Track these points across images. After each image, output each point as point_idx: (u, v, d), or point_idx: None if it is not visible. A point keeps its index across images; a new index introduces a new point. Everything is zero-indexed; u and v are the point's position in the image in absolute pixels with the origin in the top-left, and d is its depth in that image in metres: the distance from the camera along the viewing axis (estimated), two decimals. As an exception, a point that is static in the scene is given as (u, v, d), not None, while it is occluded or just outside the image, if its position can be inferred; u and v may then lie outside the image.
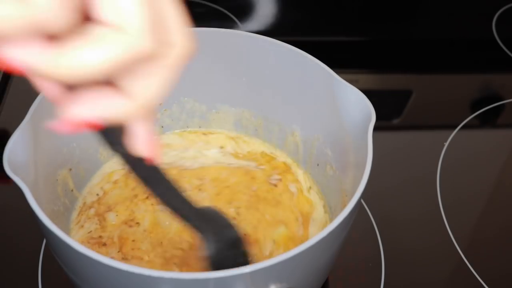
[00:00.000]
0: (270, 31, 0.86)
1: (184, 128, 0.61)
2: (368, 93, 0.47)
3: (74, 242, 0.36)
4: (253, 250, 0.48)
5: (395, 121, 0.75)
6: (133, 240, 0.51)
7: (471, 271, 0.57)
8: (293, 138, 0.58)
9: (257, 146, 0.60)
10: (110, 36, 0.25)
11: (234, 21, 0.86)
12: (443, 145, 0.69)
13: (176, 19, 0.29)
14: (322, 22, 0.89)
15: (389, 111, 0.75)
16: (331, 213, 0.54)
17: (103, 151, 0.57)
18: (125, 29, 0.25)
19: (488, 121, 0.75)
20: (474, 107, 0.76)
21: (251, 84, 0.57)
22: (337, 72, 0.49)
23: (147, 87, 0.28)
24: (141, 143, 0.31)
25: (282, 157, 0.59)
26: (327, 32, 0.88)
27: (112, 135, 0.31)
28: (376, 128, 0.44)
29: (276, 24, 0.88)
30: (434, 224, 0.61)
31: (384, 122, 0.73)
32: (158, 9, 0.28)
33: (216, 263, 0.42)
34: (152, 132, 0.32)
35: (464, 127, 0.72)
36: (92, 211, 0.54)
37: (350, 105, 0.48)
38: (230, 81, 0.57)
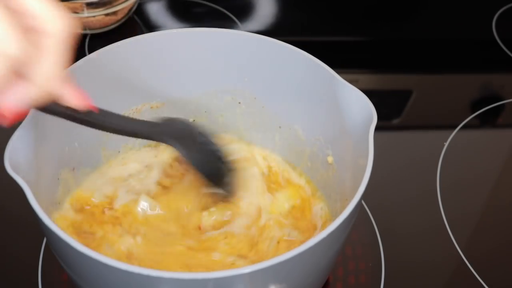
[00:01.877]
0: (270, 31, 0.86)
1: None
2: (368, 93, 0.47)
3: (74, 241, 0.36)
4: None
5: (395, 121, 0.75)
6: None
7: (471, 271, 0.57)
8: (294, 139, 0.58)
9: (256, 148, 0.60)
10: None
11: (234, 21, 0.86)
12: (443, 145, 0.69)
13: (40, 9, 0.34)
14: (322, 22, 0.89)
15: (389, 111, 0.75)
16: (331, 214, 0.54)
17: (106, 150, 0.57)
18: None
19: (488, 121, 0.75)
20: (474, 107, 0.76)
21: (252, 84, 0.57)
22: (337, 72, 0.49)
23: (44, 70, 0.35)
24: (73, 100, 0.39)
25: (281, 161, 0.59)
26: (327, 32, 0.88)
27: (51, 106, 0.38)
28: (376, 128, 0.44)
29: (276, 24, 0.88)
30: (434, 224, 0.61)
31: (384, 122, 0.73)
32: (19, 9, 0.33)
33: (201, 165, 0.49)
34: (75, 89, 0.39)
35: (464, 127, 0.72)
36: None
37: (351, 105, 0.48)
38: (230, 82, 0.57)
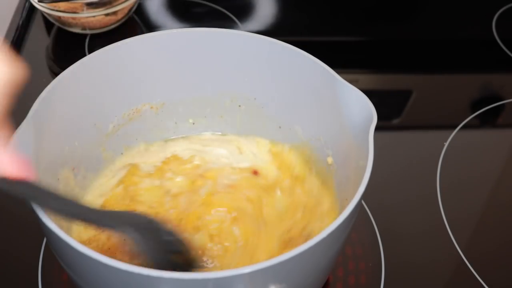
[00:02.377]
0: (270, 31, 0.87)
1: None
2: (368, 93, 0.47)
3: (74, 241, 0.36)
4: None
5: (395, 121, 0.75)
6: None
7: (471, 271, 0.57)
8: (294, 139, 0.58)
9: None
10: None
11: (234, 21, 0.86)
12: (443, 145, 0.69)
13: None
14: (322, 22, 0.89)
15: (389, 111, 0.75)
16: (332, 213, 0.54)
17: (106, 150, 0.57)
18: None
19: (488, 121, 0.75)
20: (474, 107, 0.76)
21: (252, 84, 0.57)
22: (337, 72, 0.49)
23: None
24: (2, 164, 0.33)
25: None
26: (328, 32, 0.88)
27: None
28: (376, 128, 0.44)
29: (276, 24, 0.88)
30: (434, 224, 0.61)
31: (384, 122, 0.73)
32: None
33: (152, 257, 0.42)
34: (6, 152, 0.33)
35: (464, 127, 0.72)
36: None
37: (351, 106, 0.48)
38: (230, 82, 0.57)
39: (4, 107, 0.31)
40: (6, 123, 0.31)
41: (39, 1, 0.77)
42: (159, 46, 0.54)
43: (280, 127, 0.58)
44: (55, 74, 0.68)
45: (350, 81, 0.48)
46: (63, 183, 0.52)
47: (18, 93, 0.32)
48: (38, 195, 0.37)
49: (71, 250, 0.36)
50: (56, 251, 0.42)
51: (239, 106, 0.59)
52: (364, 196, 0.41)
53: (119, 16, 0.81)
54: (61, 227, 0.37)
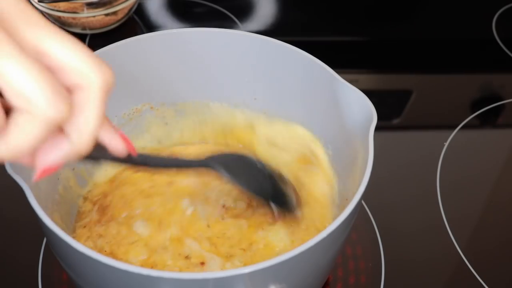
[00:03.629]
0: (270, 31, 0.87)
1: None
2: (368, 93, 0.47)
3: (74, 241, 0.36)
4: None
5: (395, 121, 0.75)
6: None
7: (471, 270, 0.57)
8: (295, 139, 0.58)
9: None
10: (22, 120, 0.29)
11: (234, 21, 0.86)
12: (443, 145, 0.69)
13: (77, 59, 0.31)
14: (322, 22, 0.89)
15: (389, 111, 0.75)
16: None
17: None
18: (32, 109, 0.29)
19: (488, 121, 0.75)
20: (474, 107, 0.76)
21: (252, 84, 0.57)
22: (337, 72, 0.49)
23: (80, 127, 0.32)
24: (114, 148, 0.36)
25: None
26: (327, 32, 0.88)
27: (92, 154, 0.35)
28: (376, 128, 0.44)
29: (276, 24, 0.88)
30: (434, 223, 0.61)
31: (384, 122, 0.73)
32: (54, 65, 0.31)
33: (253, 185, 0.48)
34: (116, 136, 0.37)
35: (464, 127, 0.72)
36: (94, 210, 0.54)
37: (351, 105, 0.48)
38: (230, 82, 0.57)
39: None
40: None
41: (39, 1, 0.77)
42: (159, 46, 0.54)
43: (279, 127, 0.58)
44: (55, 74, 0.68)
45: (350, 81, 0.48)
46: (63, 183, 0.52)
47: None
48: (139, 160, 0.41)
49: (71, 250, 0.36)
50: (56, 251, 0.42)
51: (239, 106, 0.59)
52: (364, 196, 0.41)
53: (119, 16, 0.81)
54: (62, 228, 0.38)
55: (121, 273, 0.35)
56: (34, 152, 0.33)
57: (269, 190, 0.50)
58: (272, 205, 0.51)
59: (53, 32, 0.31)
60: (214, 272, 0.35)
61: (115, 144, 0.36)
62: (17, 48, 0.28)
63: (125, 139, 0.37)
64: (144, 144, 0.60)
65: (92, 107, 0.32)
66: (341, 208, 0.51)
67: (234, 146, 0.59)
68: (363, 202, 0.61)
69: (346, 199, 0.48)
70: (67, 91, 0.31)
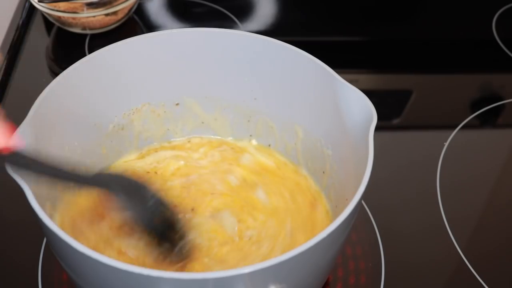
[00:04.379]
0: (270, 31, 0.87)
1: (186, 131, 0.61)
2: (368, 93, 0.47)
3: (74, 241, 0.36)
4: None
5: (395, 121, 0.75)
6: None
7: (471, 270, 0.57)
8: (295, 139, 0.58)
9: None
10: None
11: (234, 21, 0.86)
12: (443, 145, 0.69)
13: None
14: (322, 22, 0.89)
15: (389, 111, 0.75)
16: (332, 213, 0.54)
17: (106, 150, 0.57)
18: None
19: (488, 121, 0.75)
20: (474, 107, 0.76)
21: (252, 84, 0.57)
22: (337, 72, 0.49)
23: None
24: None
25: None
26: (327, 32, 0.88)
27: None
28: (376, 128, 0.44)
29: (276, 24, 0.88)
30: (434, 224, 0.61)
31: (384, 122, 0.73)
32: None
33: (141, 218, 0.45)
34: None
35: (464, 127, 0.72)
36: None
37: (351, 106, 0.48)
38: (230, 82, 0.57)
39: None
40: None
41: (39, 1, 0.77)
42: (159, 46, 0.54)
43: (280, 127, 0.58)
44: (55, 74, 0.68)
45: (350, 81, 0.48)
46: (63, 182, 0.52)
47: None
48: (28, 164, 0.39)
49: (71, 250, 0.36)
50: (56, 251, 0.42)
51: (239, 106, 0.59)
52: (364, 196, 0.41)
53: (119, 16, 0.81)
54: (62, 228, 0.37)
55: (121, 273, 0.35)
56: None
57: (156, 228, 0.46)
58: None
59: None
60: (214, 272, 0.35)
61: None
62: None
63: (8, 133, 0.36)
64: (144, 144, 0.60)
65: None
66: (341, 208, 0.51)
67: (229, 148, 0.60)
68: (363, 202, 0.61)
69: (346, 199, 0.48)
70: None
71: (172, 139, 0.61)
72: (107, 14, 0.79)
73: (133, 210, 0.45)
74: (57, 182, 0.43)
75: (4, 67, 0.74)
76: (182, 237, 0.47)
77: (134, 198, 0.44)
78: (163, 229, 0.46)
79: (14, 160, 0.39)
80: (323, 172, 0.55)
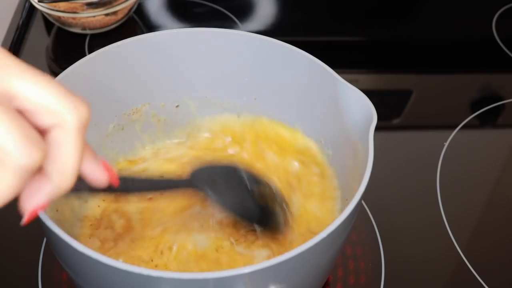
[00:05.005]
0: (270, 31, 0.87)
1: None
2: (368, 93, 0.47)
3: (74, 241, 0.36)
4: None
5: (395, 121, 0.75)
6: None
7: (471, 271, 0.57)
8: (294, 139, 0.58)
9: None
10: None
11: (234, 21, 0.86)
12: (443, 145, 0.69)
13: (49, 99, 0.30)
14: (322, 22, 0.89)
15: (389, 111, 0.75)
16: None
17: (106, 150, 0.57)
18: (4, 159, 0.28)
19: (488, 121, 0.75)
20: (474, 107, 0.76)
21: (252, 84, 0.57)
22: (337, 72, 0.49)
23: (59, 167, 0.31)
24: (96, 180, 0.35)
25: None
26: (327, 32, 0.88)
27: (76, 187, 0.34)
28: (376, 128, 0.44)
29: (276, 24, 0.88)
30: (434, 224, 0.61)
31: (384, 122, 0.73)
32: (27, 107, 0.30)
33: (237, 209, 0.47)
34: (98, 168, 0.35)
35: (464, 127, 0.72)
36: None
37: (351, 106, 0.48)
38: (230, 82, 0.57)
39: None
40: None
41: (39, 1, 0.77)
42: (159, 46, 0.54)
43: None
44: (55, 74, 0.68)
45: (350, 81, 0.48)
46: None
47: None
48: (125, 187, 0.41)
49: (71, 250, 0.36)
50: (56, 251, 0.42)
51: (239, 106, 0.59)
52: (364, 196, 0.41)
53: (119, 16, 0.81)
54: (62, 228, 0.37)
55: (121, 273, 0.35)
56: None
57: (254, 212, 0.49)
58: (256, 226, 0.50)
59: (23, 72, 0.29)
60: (214, 272, 0.35)
61: (97, 176, 0.35)
62: None
63: (107, 169, 0.36)
64: (144, 144, 0.60)
65: (69, 146, 0.31)
66: (341, 208, 0.51)
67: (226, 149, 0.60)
68: (363, 202, 0.61)
69: (346, 199, 0.48)
70: (42, 132, 0.30)
71: (172, 139, 0.61)
72: (107, 14, 0.79)
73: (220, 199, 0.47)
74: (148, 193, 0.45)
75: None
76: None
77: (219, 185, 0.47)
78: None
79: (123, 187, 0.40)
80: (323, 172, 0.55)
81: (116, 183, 0.38)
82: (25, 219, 0.33)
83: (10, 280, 0.54)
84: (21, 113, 0.30)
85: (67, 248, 0.37)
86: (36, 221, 0.39)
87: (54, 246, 0.41)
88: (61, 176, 0.31)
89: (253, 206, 0.48)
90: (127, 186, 0.41)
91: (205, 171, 0.47)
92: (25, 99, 0.29)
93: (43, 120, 0.30)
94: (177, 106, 0.59)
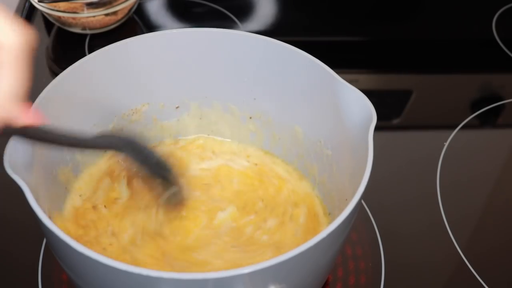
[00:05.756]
0: (270, 31, 0.86)
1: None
2: (368, 93, 0.47)
3: (74, 241, 0.36)
4: None
5: (395, 121, 0.75)
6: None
7: (471, 271, 0.57)
8: (294, 139, 0.58)
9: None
10: None
11: (234, 21, 0.86)
12: (443, 145, 0.69)
13: None
14: (322, 22, 0.89)
15: (389, 111, 0.75)
16: (331, 214, 0.54)
17: (106, 150, 0.57)
18: None
19: (488, 121, 0.75)
20: (474, 107, 0.76)
21: (252, 84, 0.57)
22: (337, 72, 0.49)
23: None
24: (22, 118, 0.36)
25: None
26: (327, 32, 0.88)
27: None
28: (376, 128, 0.44)
29: (276, 24, 0.88)
30: (433, 223, 0.61)
31: (384, 122, 0.73)
32: None
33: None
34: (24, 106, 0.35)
35: (464, 127, 0.72)
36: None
37: (351, 106, 0.48)
38: (230, 82, 0.57)
39: (21, 68, 0.33)
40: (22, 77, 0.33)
41: (39, 1, 0.77)
42: (159, 46, 0.54)
43: (280, 128, 0.58)
44: (55, 74, 0.68)
45: (350, 81, 0.48)
46: (62, 182, 0.52)
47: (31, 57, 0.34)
48: (43, 136, 0.41)
49: (70, 250, 0.36)
50: (56, 252, 0.42)
51: (239, 106, 0.59)
52: (364, 196, 0.41)
53: (119, 16, 0.81)
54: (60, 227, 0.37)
55: (121, 273, 0.35)
56: None
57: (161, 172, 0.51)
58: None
59: None
60: (214, 272, 0.35)
61: (26, 115, 0.36)
62: None
63: (34, 113, 0.37)
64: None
65: (10, 66, 0.32)
66: (341, 208, 0.51)
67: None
68: (363, 202, 0.61)
69: (346, 199, 0.48)
70: None
71: (171, 139, 0.61)
72: (107, 14, 0.79)
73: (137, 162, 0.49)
74: (72, 150, 0.47)
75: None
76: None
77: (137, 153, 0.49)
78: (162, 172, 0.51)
79: (31, 134, 0.40)
80: (323, 172, 0.55)
81: (29, 121, 0.37)
82: None
83: (10, 280, 0.54)
84: None
85: (66, 248, 0.37)
86: (36, 221, 0.39)
87: (54, 246, 0.41)
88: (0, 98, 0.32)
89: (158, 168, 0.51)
90: (46, 136, 0.41)
91: (115, 137, 0.49)
92: None
93: None
94: (177, 107, 0.59)
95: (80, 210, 0.53)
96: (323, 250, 0.40)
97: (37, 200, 0.39)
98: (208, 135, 0.61)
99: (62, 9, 0.77)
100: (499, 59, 0.84)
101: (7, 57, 0.32)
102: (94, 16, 0.78)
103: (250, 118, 0.59)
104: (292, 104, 0.56)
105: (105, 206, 0.54)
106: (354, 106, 0.47)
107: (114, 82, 0.54)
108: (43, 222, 0.38)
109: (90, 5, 0.77)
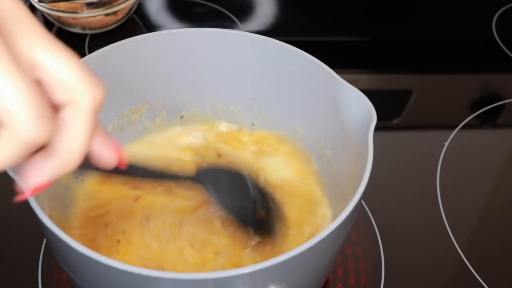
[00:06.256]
0: (270, 31, 0.87)
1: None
2: (368, 93, 0.47)
3: (74, 242, 0.36)
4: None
5: (395, 121, 0.75)
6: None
7: (471, 271, 0.57)
8: (294, 139, 0.58)
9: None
10: (3, 136, 0.28)
11: (234, 21, 0.86)
12: (443, 145, 0.69)
13: (69, 75, 0.30)
14: (321, 22, 0.89)
15: (389, 111, 0.75)
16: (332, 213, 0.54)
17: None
18: (13, 126, 0.28)
19: (488, 121, 0.75)
20: (474, 107, 0.76)
21: (252, 84, 0.57)
22: (337, 72, 0.49)
23: (67, 145, 0.31)
24: (104, 160, 0.36)
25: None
26: (327, 32, 0.88)
27: (81, 166, 0.34)
28: (376, 128, 0.44)
29: (276, 24, 0.88)
30: (434, 223, 0.61)
31: (384, 122, 0.73)
32: (45, 78, 0.30)
33: (237, 212, 0.48)
34: (108, 148, 0.36)
35: (464, 127, 0.72)
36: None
37: (351, 106, 0.48)
38: (230, 82, 0.57)
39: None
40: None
41: (39, 1, 0.77)
42: (159, 46, 0.54)
43: (280, 128, 0.58)
44: (55, 74, 0.68)
45: (350, 81, 0.48)
46: (62, 182, 0.52)
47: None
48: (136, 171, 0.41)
49: (70, 250, 0.36)
50: (56, 252, 0.42)
51: (239, 106, 0.59)
52: (364, 196, 0.41)
53: (119, 16, 0.81)
54: (61, 228, 0.37)
55: (121, 273, 0.35)
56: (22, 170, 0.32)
57: (252, 216, 0.49)
58: (251, 229, 0.50)
59: (48, 43, 0.30)
60: (214, 272, 0.35)
61: (105, 155, 0.36)
62: (11, 59, 0.27)
63: (117, 149, 0.36)
64: (144, 144, 0.60)
65: (80, 124, 0.31)
66: (341, 208, 0.51)
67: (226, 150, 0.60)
68: (363, 202, 0.61)
69: (346, 199, 0.48)
70: (56, 108, 0.30)
71: (170, 139, 0.61)
72: (107, 14, 0.79)
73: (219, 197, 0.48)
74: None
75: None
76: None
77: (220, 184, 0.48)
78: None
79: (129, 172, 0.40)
80: (323, 172, 0.55)
81: (123, 165, 0.38)
82: (24, 196, 0.33)
83: (10, 280, 0.54)
84: (40, 85, 0.30)
85: (66, 248, 0.37)
86: (36, 221, 0.39)
87: (54, 246, 0.41)
88: (68, 155, 0.31)
89: (252, 214, 0.49)
90: (133, 171, 0.41)
91: (210, 172, 0.48)
92: (47, 71, 0.30)
93: (59, 95, 0.30)
94: (176, 106, 0.59)
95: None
96: (323, 250, 0.40)
97: (37, 199, 0.39)
98: (208, 135, 0.61)
99: (62, 9, 0.77)
100: (499, 59, 0.84)
101: (78, 114, 0.31)
102: (94, 16, 0.78)
103: (250, 118, 0.59)
104: (292, 104, 0.56)
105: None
106: (354, 106, 0.47)
107: (114, 82, 0.54)
108: (43, 222, 0.38)
109: (90, 5, 0.77)
